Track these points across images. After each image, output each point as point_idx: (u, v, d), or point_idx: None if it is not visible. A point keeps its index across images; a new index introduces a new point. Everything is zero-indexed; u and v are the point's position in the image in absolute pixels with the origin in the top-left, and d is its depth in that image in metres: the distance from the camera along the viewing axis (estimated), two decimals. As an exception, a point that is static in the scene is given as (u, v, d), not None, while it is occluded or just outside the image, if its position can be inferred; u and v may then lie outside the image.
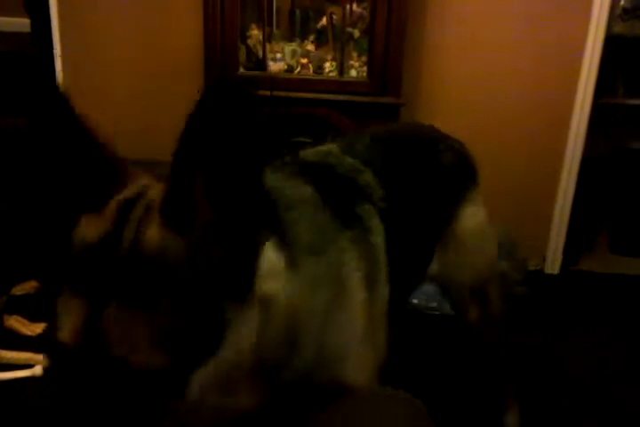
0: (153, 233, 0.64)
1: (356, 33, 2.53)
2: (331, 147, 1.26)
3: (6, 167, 2.81)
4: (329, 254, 0.97)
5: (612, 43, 2.73)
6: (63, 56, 2.84)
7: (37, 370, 2.02)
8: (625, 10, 2.92)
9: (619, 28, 2.91)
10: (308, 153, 1.23)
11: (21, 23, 3.54)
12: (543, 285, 2.78)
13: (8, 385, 1.95)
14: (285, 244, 0.85)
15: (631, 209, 3.15)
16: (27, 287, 2.52)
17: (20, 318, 2.28)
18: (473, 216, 1.45)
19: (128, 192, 0.70)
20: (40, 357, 2.08)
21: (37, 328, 2.26)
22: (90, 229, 0.66)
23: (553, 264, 2.91)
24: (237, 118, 0.61)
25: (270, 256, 0.79)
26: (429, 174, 1.39)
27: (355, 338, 1.01)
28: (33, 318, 2.30)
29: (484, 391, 1.84)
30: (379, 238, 1.10)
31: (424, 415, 0.94)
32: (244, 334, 0.72)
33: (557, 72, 2.66)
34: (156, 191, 0.69)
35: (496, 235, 1.57)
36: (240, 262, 0.68)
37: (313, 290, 0.90)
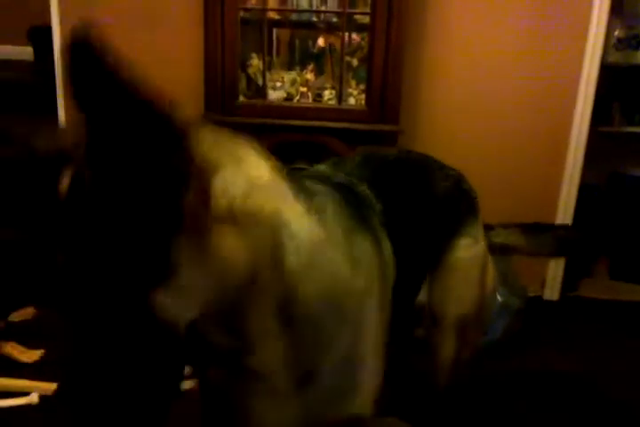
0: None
1: (355, 62, 2.57)
2: (321, 166, 1.25)
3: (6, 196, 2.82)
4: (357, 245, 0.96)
5: (607, 71, 2.77)
6: (65, 83, 2.87)
7: (34, 398, 2.01)
8: (619, 40, 2.97)
9: (613, 58, 2.96)
10: (302, 173, 1.21)
11: (25, 51, 3.59)
12: (542, 311, 2.78)
13: (4, 413, 1.93)
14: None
15: (630, 235, 3.16)
16: (24, 314, 2.51)
17: (16, 345, 2.27)
18: (468, 248, 1.40)
19: None
20: (37, 384, 2.06)
21: (34, 355, 2.25)
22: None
23: (552, 290, 2.91)
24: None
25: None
26: (422, 200, 1.34)
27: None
28: (30, 345, 2.29)
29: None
30: (387, 252, 1.08)
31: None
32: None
33: (554, 101, 2.70)
34: None
35: (493, 269, 1.50)
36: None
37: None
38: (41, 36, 3.11)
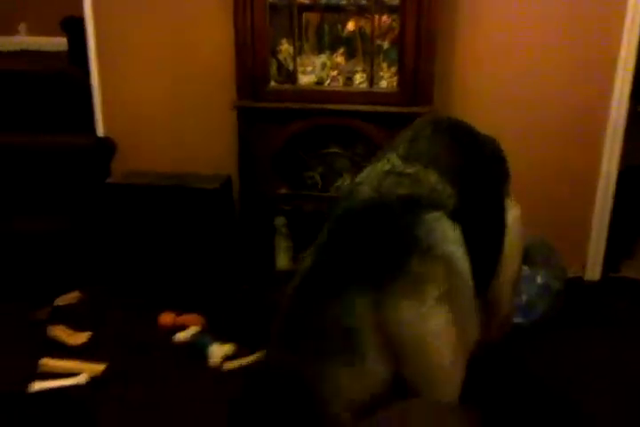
0: None
1: (386, 44, 2.56)
2: (391, 161, 1.30)
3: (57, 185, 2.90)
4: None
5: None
6: (99, 73, 2.93)
7: (82, 378, 2.08)
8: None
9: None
10: (369, 175, 1.29)
11: (59, 42, 3.65)
12: (583, 292, 2.75)
13: (54, 393, 2.01)
14: None
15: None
16: (70, 298, 2.60)
17: (64, 328, 2.35)
18: (515, 207, 1.53)
19: None
20: (85, 365, 2.14)
21: (81, 338, 2.33)
22: None
23: (593, 271, 2.88)
24: None
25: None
26: (481, 162, 1.45)
27: None
28: (77, 328, 2.37)
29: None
30: (449, 247, 1.16)
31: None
32: None
33: (590, 81, 2.65)
34: None
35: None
36: None
37: None
38: (75, 27, 3.15)
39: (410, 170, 1.26)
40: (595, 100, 2.67)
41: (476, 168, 1.41)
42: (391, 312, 1.06)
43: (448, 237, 1.16)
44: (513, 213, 1.51)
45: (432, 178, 1.25)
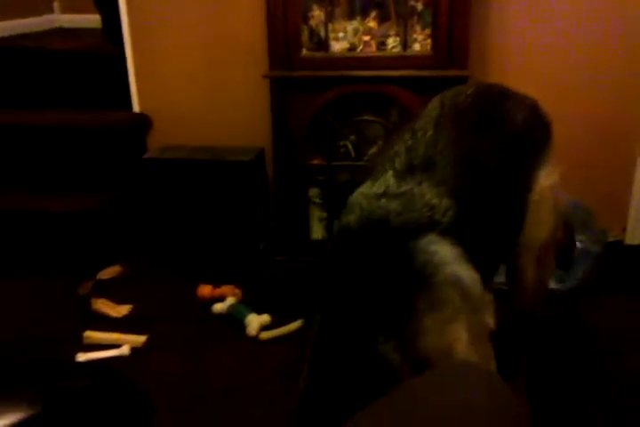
0: None
1: (419, 6, 2.47)
2: (386, 182, 1.26)
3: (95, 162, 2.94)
4: None
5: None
6: (133, 49, 2.93)
7: (125, 350, 2.13)
8: None
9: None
10: (360, 201, 1.26)
11: (93, 19, 3.66)
12: (624, 256, 2.68)
13: (98, 364, 2.06)
14: None
15: None
16: (112, 272, 2.65)
17: (106, 301, 2.40)
18: (548, 177, 1.49)
19: None
20: (127, 337, 2.19)
21: (123, 310, 2.37)
22: None
23: (634, 235, 2.79)
24: None
25: None
26: (501, 141, 1.41)
27: None
28: (119, 301, 2.41)
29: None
30: (448, 268, 1.16)
31: (502, 386, 0.93)
32: None
33: (633, 46, 2.54)
34: None
35: (564, 194, 1.60)
36: None
37: None
38: (108, 4, 3.16)
39: (404, 188, 1.24)
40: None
41: (491, 152, 1.37)
42: (414, 343, 1.12)
43: (446, 257, 1.16)
44: (545, 184, 1.49)
45: (427, 194, 1.22)
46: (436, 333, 1.13)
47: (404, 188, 1.24)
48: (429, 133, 1.33)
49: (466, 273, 1.17)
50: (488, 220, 1.31)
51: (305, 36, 2.50)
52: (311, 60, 2.47)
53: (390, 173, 1.28)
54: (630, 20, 2.53)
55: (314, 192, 2.64)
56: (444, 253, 1.16)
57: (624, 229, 2.80)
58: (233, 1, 2.74)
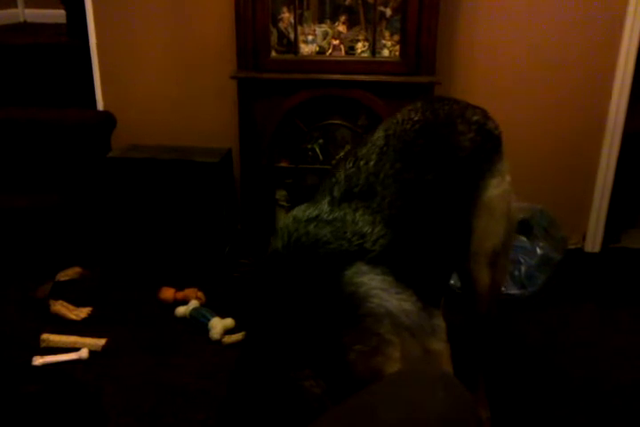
0: None
1: (388, 12, 2.49)
2: (320, 208, 1.27)
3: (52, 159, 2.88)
4: None
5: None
6: (98, 46, 2.88)
7: (84, 353, 2.08)
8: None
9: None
10: (287, 225, 1.26)
11: (58, 14, 3.59)
12: (583, 263, 2.73)
13: (56, 368, 2.01)
14: None
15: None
16: (71, 273, 2.59)
17: (65, 304, 2.35)
18: (498, 185, 1.51)
19: None
20: (86, 340, 2.14)
21: (82, 313, 2.32)
22: None
23: (594, 242, 2.85)
24: None
25: None
26: (448, 159, 1.42)
27: None
28: (78, 303, 2.36)
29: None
30: (376, 300, 1.17)
31: (462, 394, 0.94)
32: None
33: (596, 45, 2.59)
34: None
35: (515, 198, 1.63)
36: None
37: None
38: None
39: (336, 214, 1.24)
40: (599, 69, 2.61)
41: (435, 182, 1.38)
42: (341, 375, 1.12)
43: (373, 289, 1.16)
44: (493, 193, 1.50)
45: (360, 222, 1.23)
46: (362, 365, 1.13)
47: (337, 214, 1.24)
48: (372, 163, 1.34)
49: (395, 303, 1.17)
50: (427, 242, 1.32)
51: (274, 38, 2.49)
52: (280, 63, 2.47)
53: (327, 199, 1.29)
54: (592, 32, 2.58)
55: (281, 195, 2.63)
56: (371, 284, 1.17)
57: (584, 237, 2.85)
58: (203, 1, 2.71)
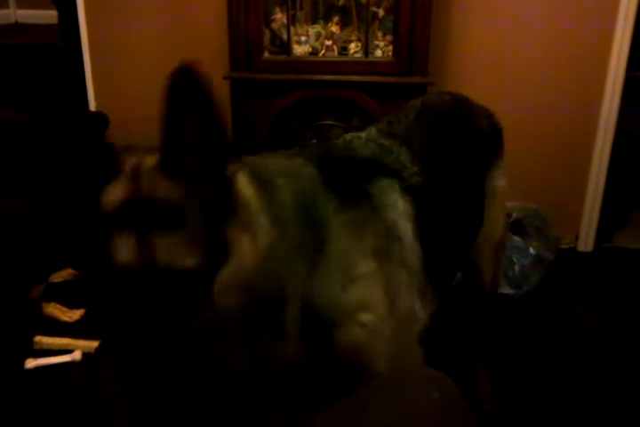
0: (161, 185, 0.87)
1: (381, 12, 2.49)
2: (368, 131, 1.31)
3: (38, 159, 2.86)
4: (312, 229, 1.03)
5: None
6: (90, 46, 2.87)
7: (76, 355, 2.07)
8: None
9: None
10: (337, 142, 1.28)
11: (50, 15, 3.57)
12: (576, 263, 2.74)
13: (48, 370, 2.00)
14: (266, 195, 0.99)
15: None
16: (64, 275, 2.58)
17: (58, 305, 2.33)
18: (501, 178, 1.56)
19: (129, 164, 0.92)
20: (79, 342, 2.13)
21: (75, 315, 2.31)
22: (115, 191, 0.87)
23: (586, 241, 2.86)
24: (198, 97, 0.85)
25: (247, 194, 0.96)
26: (469, 142, 1.48)
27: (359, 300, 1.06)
28: (71, 305, 2.35)
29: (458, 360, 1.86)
30: (394, 215, 1.14)
31: (455, 395, 0.93)
32: (243, 247, 0.90)
33: (588, 47, 2.60)
34: (150, 160, 0.92)
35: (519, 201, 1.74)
36: (220, 193, 0.89)
37: (294, 253, 1.00)
38: (65, 0, 3.09)
39: (383, 141, 1.26)
40: (591, 69, 2.62)
41: (458, 149, 1.43)
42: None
43: (397, 205, 1.15)
44: (498, 184, 1.55)
45: (403, 154, 1.25)
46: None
47: (385, 142, 1.26)
48: (411, 117, 1.38)
49: (405, 229, 1.15)
50: (446, 210, 1.32)
51: (267, 38, 2.49)
52: (273, 63, 2.47)
53: (374, 128, 1.31)
54: (584, 33, 2.59)
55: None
56: (397, 200, 1.16)
57: (577, 237, 2.86)
58: (196, 1, 2.71)
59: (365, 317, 1.05)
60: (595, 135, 2.70)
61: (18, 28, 3.94)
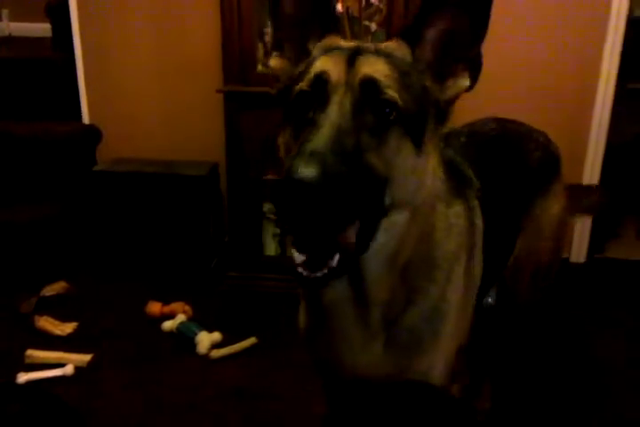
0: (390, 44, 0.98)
1: (373, 26, 2.51)
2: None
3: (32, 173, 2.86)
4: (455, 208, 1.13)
5: (635, 27, 2.68)
6: (84, 59, 2.88)
7: (69, 369, 2.06)
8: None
9: (640, 12, 2.87)
10: None
11: (43, 28, 3.59)
12: (569, 274, 2.75)
13: (41, 384, 1.98)
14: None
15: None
16: (56, 288, 2.56)
17: (50, 319, 2.32)
18: (553, 206, 1.54)
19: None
20: (71, 356, 2.12)
21: (67, 328, 2.30)
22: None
23: (579, 253, 2.87)
24: None
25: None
26: (518, 171, 1.48)
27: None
28: (63, 319, 2.34)
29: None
30: (478, 220, 1.21)
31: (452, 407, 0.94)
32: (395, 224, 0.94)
33: (579, 58, 2.62)
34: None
35: (569, 223, 1.72)
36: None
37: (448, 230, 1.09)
38: (59, 13, 3.10)
39: (451, 152, 1.31)
40: (584, 79, 2.64)
41: (502, 176, 1.43)
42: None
43: (477, 211, 1.22)
44: (548, 211, 1.54)
45: (466, 169, 1.29)
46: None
47: (452, 153, 1.30)
48: (463, 140, 1.42)
49: (480, 237, 1.22)
50: (493, 222, 1.33)
51: (260, 52, 2.50)
52: (266, 77, 2.46)
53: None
54: (576, 33, 2.61)
55: (268, 208, 2.63)
56: (477, 207, 1.23)
57: (570, 248, 2.87)
58: (190, 15, 2.73)
59: None
60: (586, 145, 2.72)
61: (11, 41, 3.96)
